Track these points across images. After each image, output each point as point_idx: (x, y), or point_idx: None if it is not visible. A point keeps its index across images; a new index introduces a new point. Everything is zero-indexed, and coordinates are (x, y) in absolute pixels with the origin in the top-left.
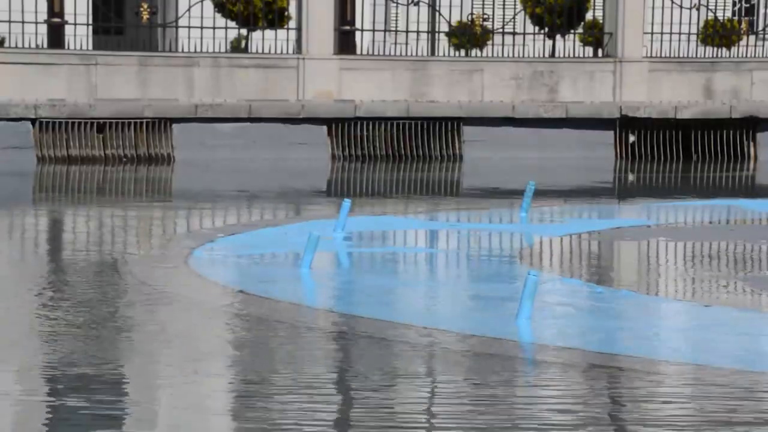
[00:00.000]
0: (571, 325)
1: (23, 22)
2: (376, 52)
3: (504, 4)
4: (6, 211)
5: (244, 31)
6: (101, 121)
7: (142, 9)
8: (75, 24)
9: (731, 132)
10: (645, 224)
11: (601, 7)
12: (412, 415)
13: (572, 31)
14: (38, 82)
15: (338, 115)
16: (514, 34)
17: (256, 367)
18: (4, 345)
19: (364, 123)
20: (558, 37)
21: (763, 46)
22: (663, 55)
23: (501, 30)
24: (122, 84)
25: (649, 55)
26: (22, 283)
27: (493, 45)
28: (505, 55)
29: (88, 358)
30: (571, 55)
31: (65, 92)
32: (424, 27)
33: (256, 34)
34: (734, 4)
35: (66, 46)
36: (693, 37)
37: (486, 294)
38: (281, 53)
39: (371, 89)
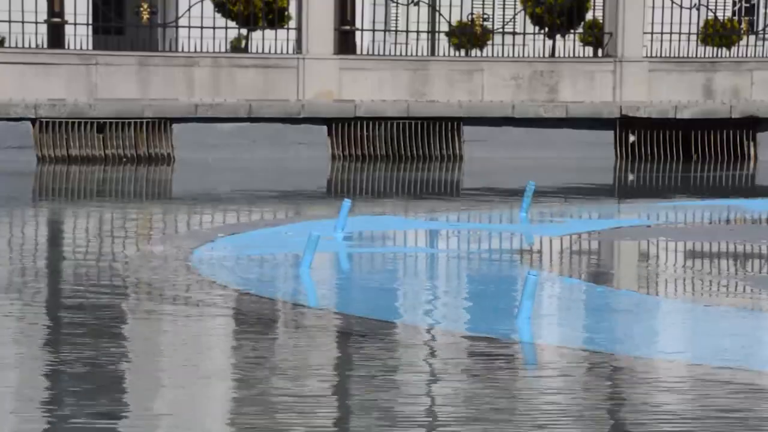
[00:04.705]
0: (571, 324)
1: (23, 22)
2: (376, 52)
3: (504, 4)
4: (6, 211)
5: (244, 31)
6: (101, 121)
7: (142, 9)
8: (75, 24)
9: (731, 132)
10: (645, 224)
11: (601, 7)
12: (411, 415)
13: (572, 31)
14: (38, 82)
15: (338, 115)
16: (514, 34)
17: (256, 367)
18: (3, 342)
19: (364, 123)
20: (558, 37)
21: (763, 46)
22: (663, 54)
23: (501, 30)
24: (122, 84)
25: (649, 55)
26: (21, 283)
27: (493, 45)
28: (505, 55)
29: (87, 358)
30: (571, 55)
31: (65, 92)
32: (424, 27)
33: (256, 34)
34: (734, 4)
35: (66, 46)
36: (693, 37)
37: (486, 294)
38: (281, 53)
39: (371, 89)
